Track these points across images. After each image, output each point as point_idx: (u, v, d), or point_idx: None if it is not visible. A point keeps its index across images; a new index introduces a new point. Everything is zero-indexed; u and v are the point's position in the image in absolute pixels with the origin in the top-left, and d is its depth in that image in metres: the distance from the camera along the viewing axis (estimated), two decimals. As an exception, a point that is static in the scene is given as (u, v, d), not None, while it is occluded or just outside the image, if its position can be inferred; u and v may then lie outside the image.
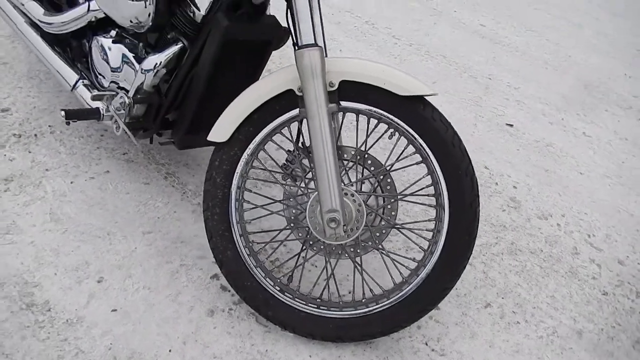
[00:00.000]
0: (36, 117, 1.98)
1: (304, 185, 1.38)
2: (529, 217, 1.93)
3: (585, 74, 3.03)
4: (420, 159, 1.31)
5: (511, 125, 2.43)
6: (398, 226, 1.35)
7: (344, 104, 1.26)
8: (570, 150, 2.34)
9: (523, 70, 2.93)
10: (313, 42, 1.17)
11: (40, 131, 1.92)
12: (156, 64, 1.44)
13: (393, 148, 1.33)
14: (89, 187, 1.74)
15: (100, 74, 1.66)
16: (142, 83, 1.47)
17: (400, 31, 3.08)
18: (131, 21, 1.41)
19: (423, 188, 1.36)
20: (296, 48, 1.20)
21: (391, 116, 1.27)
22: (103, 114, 1.47)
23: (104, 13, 1.60)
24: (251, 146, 1.31)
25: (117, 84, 1.61)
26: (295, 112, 1.28)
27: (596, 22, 3.75)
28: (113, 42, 1.59)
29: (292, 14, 1.38)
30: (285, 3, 1.39)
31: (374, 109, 1.27)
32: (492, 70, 2.86)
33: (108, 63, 1.59)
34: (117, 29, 1.60)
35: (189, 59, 1.43)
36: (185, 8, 1.40)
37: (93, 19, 1.64)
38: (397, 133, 1.31)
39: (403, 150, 1.34)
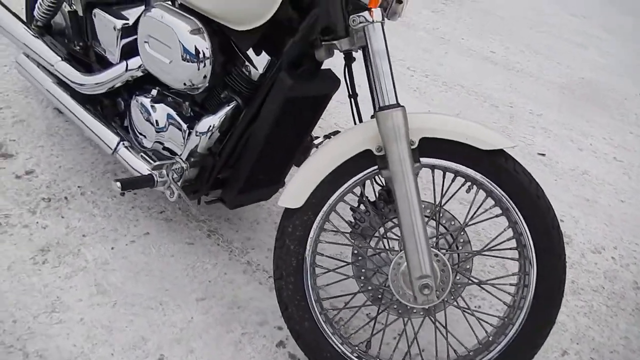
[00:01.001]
0: (63, 178, 1.88)
1: (373, 244, 1.32)
2: (583, 252, 1.89)
3: (601, 95, 3.05)
4: (500, 212, 1.26)
5: (543, 155, 2.40)
6: (482, 282, 1.29)
7: (424, 160, 1.20)
8: (606, 177, 2.32)
9: (541, 95, 2.93)
10: (395, 102, 1.12)
11: (70, 193, 1.83)
12: (210, 126, 1.38)
13: (472, 201, 1.27)
14: (131, 252, 1.64)
15: (141, 134, 1.58)
16: (196, 146, 1.39)
17: (413, 62, 3.07)
18: (185, 84, 1.35)
19: (503, 242, 1.30)
20: (376, 109, 1.14)
21: (470, 170, 1.22)
22: (157, 180, 1.39)
23: (142, 72, 1.53)
24: (324, 208, 1.25)
25: (162, 144, 1.53)
26: (370, 169, 1.22)
27: (598, 40, 3.80)
28: (155, 101, 1.52)
29: (347, 67, 1.34)
30: (344, 59, 1.35)
31: (453, 164, 1.22)
32: (511, 98, 2.85)
33: (152, 123, 1.52)
34: (157, 88, 1.53)
35: (245, 119, 1.36)
36: (240, 67, 1.35)
37: (130, 78, 1.57)
38: (474, 186, 1.26)
39: (481, 204, 1.29)
